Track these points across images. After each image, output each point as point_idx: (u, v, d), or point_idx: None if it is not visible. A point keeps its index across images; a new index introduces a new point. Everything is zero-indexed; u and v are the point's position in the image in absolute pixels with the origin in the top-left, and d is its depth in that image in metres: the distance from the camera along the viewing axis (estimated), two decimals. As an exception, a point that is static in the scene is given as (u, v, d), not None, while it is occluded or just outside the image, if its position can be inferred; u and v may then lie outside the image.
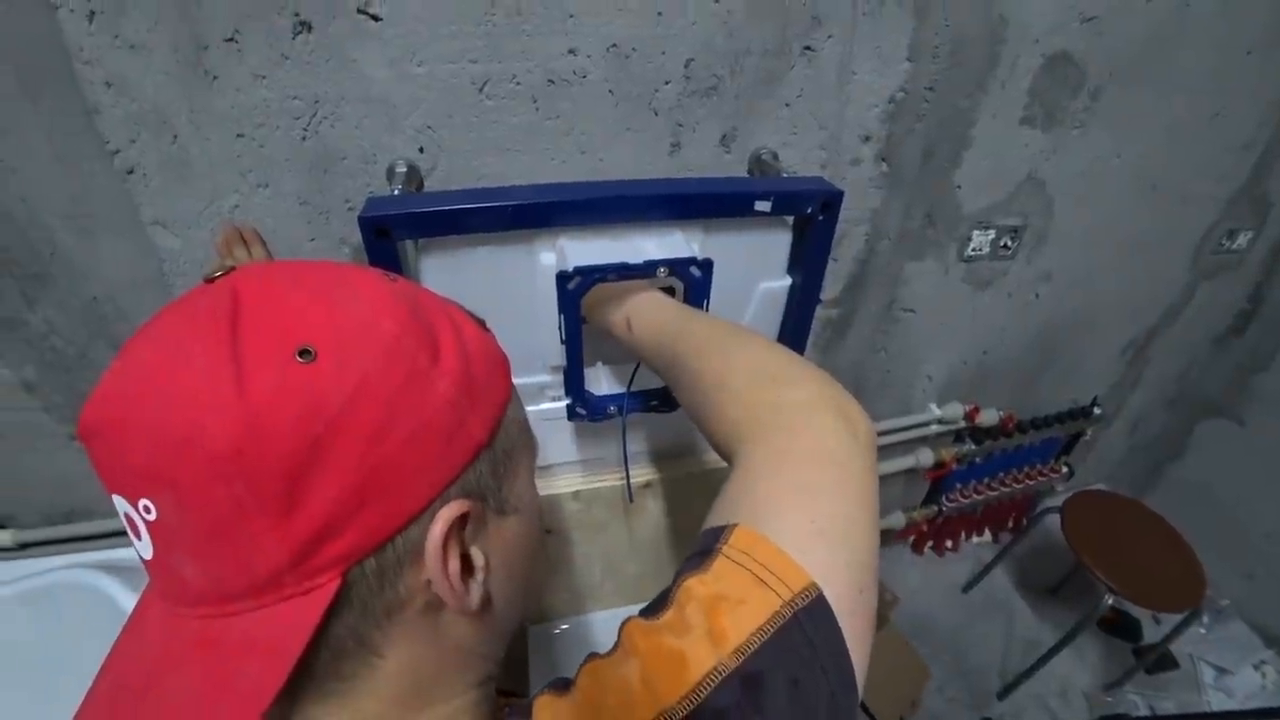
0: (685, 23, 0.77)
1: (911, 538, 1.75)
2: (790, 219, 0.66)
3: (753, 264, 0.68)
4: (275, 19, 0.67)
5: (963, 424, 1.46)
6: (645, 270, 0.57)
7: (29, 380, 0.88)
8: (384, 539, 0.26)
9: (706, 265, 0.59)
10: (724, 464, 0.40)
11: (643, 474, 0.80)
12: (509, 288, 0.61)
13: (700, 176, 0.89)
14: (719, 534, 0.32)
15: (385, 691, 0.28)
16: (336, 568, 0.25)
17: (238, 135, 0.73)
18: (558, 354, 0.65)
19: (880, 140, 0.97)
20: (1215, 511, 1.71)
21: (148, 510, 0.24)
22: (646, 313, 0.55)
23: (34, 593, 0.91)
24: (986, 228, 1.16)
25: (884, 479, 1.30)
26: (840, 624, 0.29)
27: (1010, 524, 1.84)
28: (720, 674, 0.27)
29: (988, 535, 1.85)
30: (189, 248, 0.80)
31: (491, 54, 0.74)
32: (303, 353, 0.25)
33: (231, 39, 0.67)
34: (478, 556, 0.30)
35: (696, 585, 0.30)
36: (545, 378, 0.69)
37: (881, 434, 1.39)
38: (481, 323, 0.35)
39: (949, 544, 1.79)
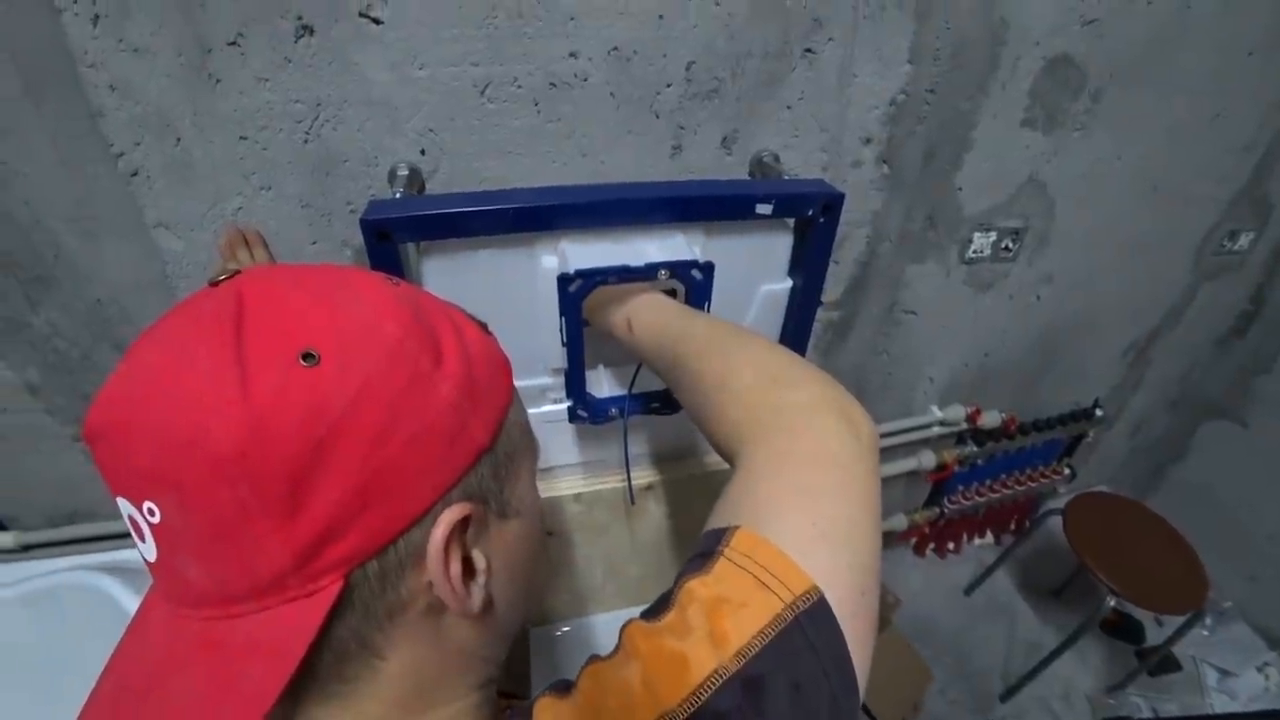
0: (686, 25, 0.78)
1: (913, 540, 1.75)
2: (791, 221, 0.66)
3: (754, 266, 0.68)
4: (278, 22, 0.67)
5: (964, 426, 1.46)
6: (646, 273, 0.57)
7: (32, 382, 0.88)
8: (386, 541, 0.26)
9: (708, 268, 0.59)
10: (725, 466, 0.39)
11: (644, 476, 0.79)
12: (510, 290, 0.61)
13: (701, 179, 0.89)
14: (720, 536, 0.32)
15: (387, 693, 0.28)
16: (339, 570, 0.25)
17: (241, 138, 0.73)
18: (559, 356, 0.65)
19: (881, 142, 0.97)
20: (1218, 513, 1.70)
21: (152, 513, 0.25)
22: (647, 314, 0.55)
23: (37, 594, 0.91)
24: (987, 230, 1.15)
25: (886, 481, 1.31)
26: (842, 627, 0.28)
27: (1012, 526, 1.83)
28: (721, 677, 0.27)
29: (990, 537, 1.84)
30: (192, 250, 0.80)
31: (493, 57, 0.74)
32: (306, 356, 0.25)
33: (235, 42, 0.67)
34: (479, 559, 0.30)
35: (698, 587, 0.30)
36: (547, 380, 0.69)
37: (883, 436, 1.39)
38: (483, 326, 0.35)
39: (951, 546, 1.78)
